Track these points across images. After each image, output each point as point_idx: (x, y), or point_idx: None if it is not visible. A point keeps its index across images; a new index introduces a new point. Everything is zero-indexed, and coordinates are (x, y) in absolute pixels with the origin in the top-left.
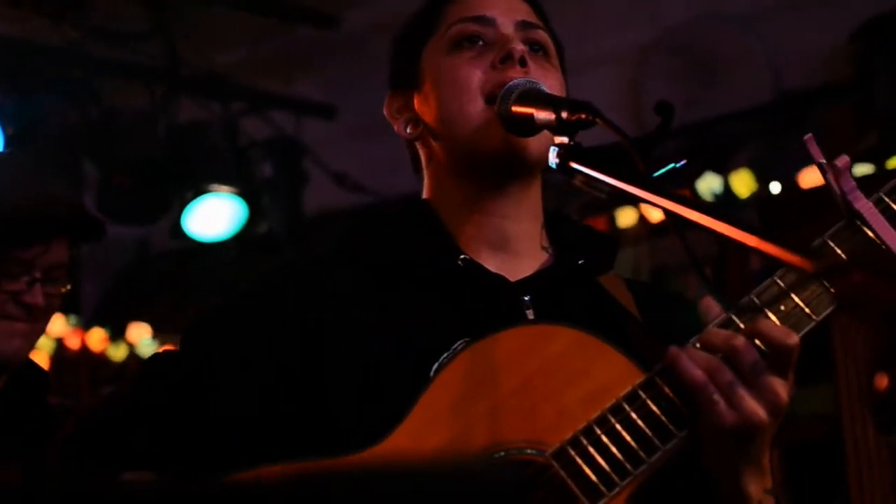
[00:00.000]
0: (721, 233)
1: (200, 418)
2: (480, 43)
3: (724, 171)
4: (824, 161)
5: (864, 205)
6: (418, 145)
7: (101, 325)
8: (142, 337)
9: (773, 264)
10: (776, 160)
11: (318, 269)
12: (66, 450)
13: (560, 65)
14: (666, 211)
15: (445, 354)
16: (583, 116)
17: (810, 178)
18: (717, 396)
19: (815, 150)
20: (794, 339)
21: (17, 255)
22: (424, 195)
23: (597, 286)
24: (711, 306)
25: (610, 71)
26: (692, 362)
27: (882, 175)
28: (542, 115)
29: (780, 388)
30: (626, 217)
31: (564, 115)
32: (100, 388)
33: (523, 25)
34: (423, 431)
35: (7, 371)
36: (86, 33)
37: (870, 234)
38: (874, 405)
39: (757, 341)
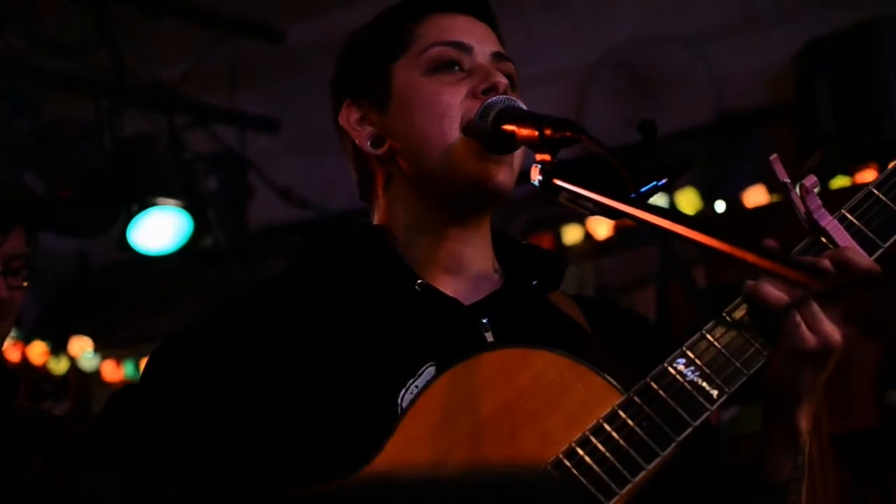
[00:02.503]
0: (717, 249)
1: (172, 447)
2: (457, 69)
3: (668, 189)
4: (789, 180)
5: (829, 222)
6: (375, 164)
7: (42, 337)
8: (83, 350)
9: (717, 283)
10: (720, 179)
11: (282, 290)
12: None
13: None
14: (658, 227)
15: (412, 379)
16: (567, 134)
17: (755, 196)
18: (799, 318)
19: (780, 170)
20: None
21: None
22: (377, 219)
23: (549, 305)
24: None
25: (553, 89)
26: (773, 286)
27: (826, 195)
28: (525, 132)
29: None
30: (571, 234)
31: (548, 132)
32: (41, 402)
33: (497, 57)
34: (403, 457)
35: None
36: (31, 43)
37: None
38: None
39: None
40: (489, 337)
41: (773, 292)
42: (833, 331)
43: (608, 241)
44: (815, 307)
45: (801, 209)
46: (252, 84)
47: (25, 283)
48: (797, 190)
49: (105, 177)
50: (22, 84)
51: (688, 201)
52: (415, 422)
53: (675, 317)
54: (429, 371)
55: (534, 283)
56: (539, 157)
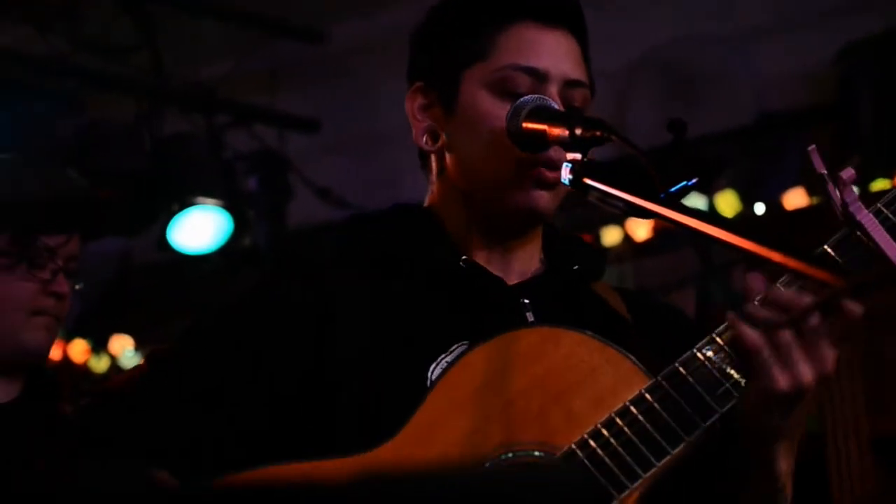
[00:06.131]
0: (742, 248)
1: (207, 412)
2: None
3: (708, 191)
4: (826, 172)
5: (865, 216)
6: (432, 155)
7: (83, 336)
8: (124, 348)
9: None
10: (761, 181)
11: (322, 264)
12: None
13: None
14: (684, 227)
15: (444, 355)
16: (598, 133)
17: (795, 199)
18: (772, 359)
19: (817, 162)
20: (861, 310)
21: (45, 242)
22: (428, 201)
23: (590, 291)
24: (755, 280)
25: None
26: (748, 326)
27: (865, 197)
28: (556, 131)
29: (831, 355)
30: (610, 236)
31: (578, 131)
32: (82, 400)
33: (570, 84)
34: (432, 430)
35: (23, 370)
36: (73, 44)
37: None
38: None
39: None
40: (530, 317)
41: (747, 332)
42: (807, 371)
43: (647, 242)
44: (793, 344)
45: (838, 202)
46: (292, 84)
47: (77, 287)
48: (834, 182)
49: (145, 177)
50: (64, 85)
51: (727, 203)
52: (443, 396)
53: (715, 318)
54: (461, 348)
55: (575, 267)
56: (570, 156)
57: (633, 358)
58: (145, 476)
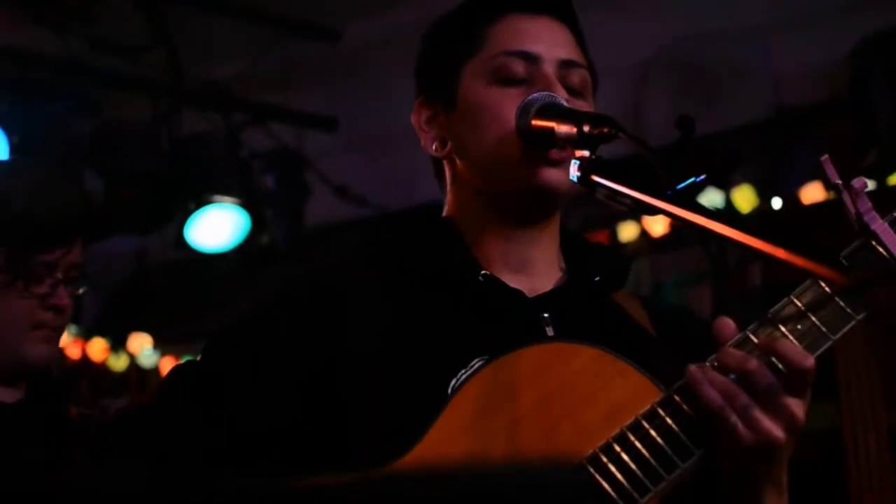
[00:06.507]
0: (749, 245)
1: (222, 429)
2: (522, 79)
3: (725, 186)
4: (840, 182)
5: (879, 225)
6: (444, 162)
7: (102, 335)
8: (143, 347)
9: (773, 281)
10: (778, 176)
11: (340, 278)
12: (90, 459)
13: (593, 92)
14: (692, 224)
15: (464, 371)
16: (605, 130)
17: (812, 193)
18: (734, 418)
19: (831, 171)
20: (810, 361)
21: (42, 259)
22: (446, 212)
23: (612, 303)
24: (726, 326)
25: (610, 86)
26: (709, 385)
27: (882, 192)
28: (563, 128)
29: (797, 407)
30: (627, 231)
31: (586, 128)
32: (101, 399)
33: (565, 65)
34: (443, 446)
35: (25, 378)
36: (89, 44)
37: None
38: None
39: (773, 360)
40: (549, 331)
41: (706, 392)
42: (772, 427)
43: (663, 238)
44: (752, 404)
45: (853, 211)
46: (309, 83)
47: (81, 291)
48: (848, 192)
49: (163, 175)
50: (81, 85)
51: (744, 198)
52: (456, 411)
53: (731, 314)
54: (480, 362)
55: (596, 279)
56: (578, 153)
57: (646, 372)
58: (147, 475)
